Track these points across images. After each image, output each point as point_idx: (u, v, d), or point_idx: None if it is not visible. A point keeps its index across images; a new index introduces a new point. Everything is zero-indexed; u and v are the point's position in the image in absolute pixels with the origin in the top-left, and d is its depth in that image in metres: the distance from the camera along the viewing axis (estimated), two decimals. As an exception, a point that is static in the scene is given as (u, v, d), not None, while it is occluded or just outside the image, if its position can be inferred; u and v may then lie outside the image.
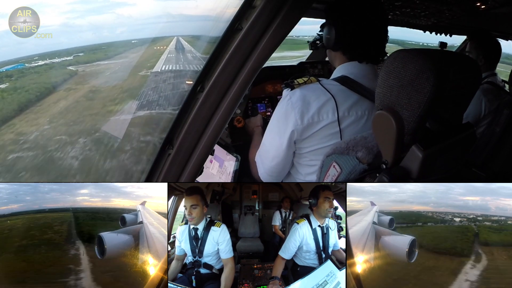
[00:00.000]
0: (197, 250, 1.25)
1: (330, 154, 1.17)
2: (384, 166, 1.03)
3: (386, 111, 0.98)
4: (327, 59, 2.36)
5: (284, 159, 1.43)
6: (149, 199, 1.21)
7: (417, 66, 0.92)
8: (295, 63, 3.04)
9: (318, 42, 1.68)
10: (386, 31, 1.45)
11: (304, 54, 3.68)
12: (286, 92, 1.38)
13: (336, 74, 1.46)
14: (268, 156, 1.45)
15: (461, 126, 1.12)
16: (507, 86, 2.91)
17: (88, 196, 1.18)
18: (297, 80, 1.39)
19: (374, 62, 1.45)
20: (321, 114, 1.33)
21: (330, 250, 1.25)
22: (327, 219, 1.26)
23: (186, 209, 1.24)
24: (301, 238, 1.26)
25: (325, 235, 1.26)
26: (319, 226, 1.26)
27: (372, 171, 1.07)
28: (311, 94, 1.35)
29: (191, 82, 1.25)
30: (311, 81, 1.39)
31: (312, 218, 1.27)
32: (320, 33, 1.63)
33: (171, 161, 1.28)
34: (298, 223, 1.27)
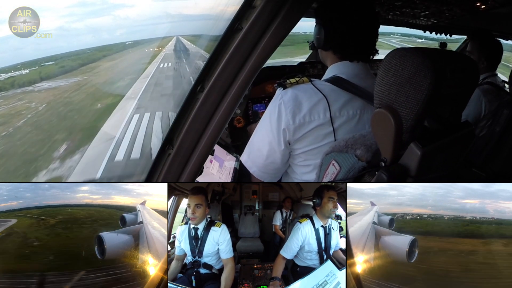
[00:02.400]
0: (196, 250, 1.26)
1: (329, 152, 1.18)
2: (382, 164, 1.03)
3: (384, 109, 0.99)
4: None
5: (279, 158, 1.42)
6: (150, 197, 1.21)
7: (414, 64, 0.93)
8: (295, 63, 3.06)
9: None
10: (376, 29, 1.45)
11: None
12: (278, 91, 1.39)
13: (328, 74, 1.46)
14: (261, 154, 1.44)
15: (460, 124, 1.12)
16: (507, 86, 2.91)
17: (88, 193, 1.18)
18: (290, 79, 1.39)
19: (365, 61, 1.46)
20: (313, 114, 1.34)
21: (331, 251, 1.25)
22: (330, 219, 1.27)
23: (189, 207, 1.24)
24: (303, 237, 1.26)
25: (327, 235, 1.26)
26: (322, 226, 1.26)
27: (371, 169, 1.07)
28: (303, 94, 1.35)
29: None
30: (303, 81, 1.39)
31: (315, 218, 1.27)
32: None
33: (171, 161, 1.28)
34: (300, 222, 1.27)
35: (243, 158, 1.52)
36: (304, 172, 1.42)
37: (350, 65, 1.44)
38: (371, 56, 1.47)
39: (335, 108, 1.35)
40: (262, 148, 1.43)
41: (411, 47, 0.99)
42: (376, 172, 1.03)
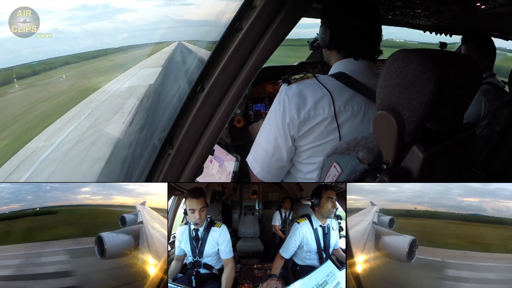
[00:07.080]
0: (197, 251, 1.26)
1: (331, 154, 1.17)
2: (384, 166, 1.02)
3: (387, 111, 0.98)
4: None
5: (285, 155, 1.42)
6: (150, 196, 1.21)
7: (418, 66, 0.92)
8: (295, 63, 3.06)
9: (318, 41, 1.69)
10: (380, 28, 1.48)
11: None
12: (283, 87, 1.40)
13: (333, 70, 1.48)
14: (267, 152, 1.43)
15: (462, 126, 1.12)
16: (506, 87, 2.92)
17: (89, 194, 1.18)
18: (294, 76, 1.40)
19: (369, 59, 1.48)
20: (317, 109, 1.34)
21: (331, 250, 1.26)
22: (329, 219, 1.27)
23: (193, 212, 1.23)
24: (301, 237, 1.26)
25: (326, 235, 1.27)
26: (320, 226, 1.27)
27: (372, 172, 1.07)
28: (307, 89, 1.36)
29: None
30: (307, 77, 1.40)
31: (314, 218, 1.27)
32: None
33: (171, 161, 1.28)
34: (298, 223, 1.27)
35: (249, 159, 1.51)
36: (309, 170, 1.42)
37: (354, 62, 1.45)
38: (376, 56, 1.49)
39: (339, 103, 1.35)
40: (267, 146, 1.43)
41: (414, 49, 0.98)
42: (378, 175, 1.03)
